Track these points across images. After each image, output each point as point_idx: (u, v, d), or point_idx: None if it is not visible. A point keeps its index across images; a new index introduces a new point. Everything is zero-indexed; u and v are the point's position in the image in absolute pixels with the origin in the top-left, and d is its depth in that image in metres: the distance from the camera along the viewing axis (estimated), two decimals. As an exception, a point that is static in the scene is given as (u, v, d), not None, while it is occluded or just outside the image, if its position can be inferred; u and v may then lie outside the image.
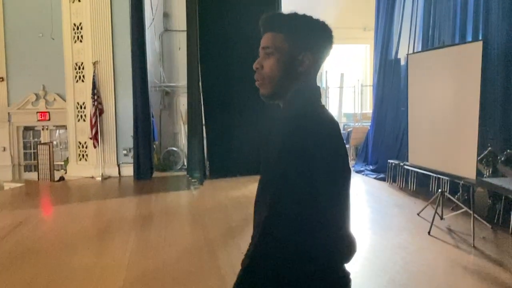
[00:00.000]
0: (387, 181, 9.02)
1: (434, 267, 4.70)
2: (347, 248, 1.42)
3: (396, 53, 9.93)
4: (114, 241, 5.76)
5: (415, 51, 8.78)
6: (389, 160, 9.00)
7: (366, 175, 10.02)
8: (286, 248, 1.26)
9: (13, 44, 12.81)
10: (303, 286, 1.31)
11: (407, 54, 7.81)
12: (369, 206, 7.63)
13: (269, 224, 1.27)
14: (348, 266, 1.44)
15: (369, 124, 11.20)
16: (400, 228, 6.11)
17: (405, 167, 7.86)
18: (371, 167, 10.32)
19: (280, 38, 1.43)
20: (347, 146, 11.98)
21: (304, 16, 1.45)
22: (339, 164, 1.38)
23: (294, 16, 1.45)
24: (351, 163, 11.58)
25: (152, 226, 6.42)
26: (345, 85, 14.12)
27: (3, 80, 12.88)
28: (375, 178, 9.63)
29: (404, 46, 9.54)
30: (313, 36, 1.45)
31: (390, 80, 10.04)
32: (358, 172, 10.38)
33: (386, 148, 9.80)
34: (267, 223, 1.27)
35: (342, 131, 12.47)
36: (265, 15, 1.49)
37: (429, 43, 8.61)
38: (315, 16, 1.47)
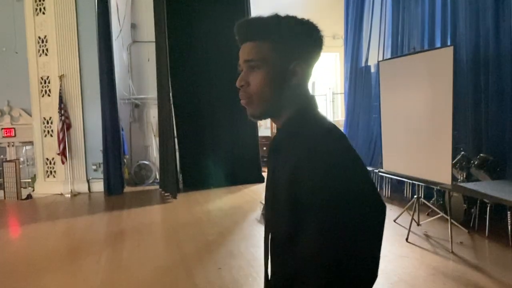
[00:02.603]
0: (362, 188, 9.00)
1: (414, 275, 4.64)
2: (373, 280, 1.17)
3: (366, 60, 9.99)
4: (85, 261, 5.52)
5: (385, 58, 8.84)
6: (363, 167, 8.98)
7: (341, 182, 9.98)
8: None
9: (-25, 59, 12.37)
10: None
11: (378, 61, 7.83)
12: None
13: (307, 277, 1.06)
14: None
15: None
16: (378, 236, 6.05)
17: (380, 173, 7.85)
18: (345, 174, 10.30)
19: (265, 48, 1.18)
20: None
21: (289, 17, 1.22)
22: (372, 186, 1.16)
23: (277, 19, 1.21)
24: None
25: (125, 244, 6.18)
26: (316, 93, 14.15)
27: (-36, 96, 12.40)
28: (350, 185, 9.60)
29: (374, 54, 9.62)
30: (304, 40, 1.21)
31: (361, 88, 10.09)
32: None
33: (360, 156, 9.79)
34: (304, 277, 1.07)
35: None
36: (242, 21, 1.23)
37: (398, 50, 8.68)
38: (298, 16, 1.23)
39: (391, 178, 7.84)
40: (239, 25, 1.24)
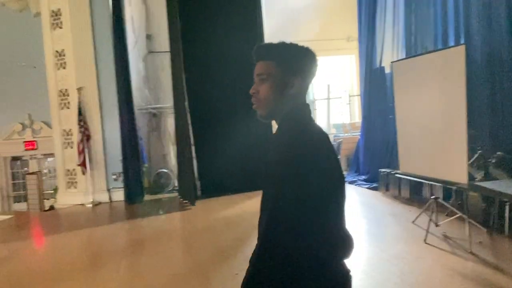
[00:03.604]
0: (380, 190, 8.96)
1: (432, 276, 4.60)
2: (345, 245, 1.62)
3: (381, 61, 9.95)
4: (104, 270, 5.61)
5: (399, 58, 8.79)
6: (380, 169, 8.94)
7: (359, 185, 9.94)
8: (284, 256, 1.42)
9: (-4, 74, 12.72)
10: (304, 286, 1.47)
11: (391, 62, 7.80)
12: (364, 217, 7.54)
13: (268, 234, 1.45)
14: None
15: (359, 133, 11.16)
16: (396, 238, 6.02)
17: (397, 175, 7.80)
18: (363, 177, 10.26)
19: (271, 65, 1.62)
20: (338, 157, 11.91)
21: (291, 44, 1.65)
22: (331, 173, 1.56)
23: (282, 45, 1.65)
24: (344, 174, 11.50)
25: (143, 252, 6.27)
26: (332, 96, 14.13)
27: (-13, 111, 12.76)
28: (368, 188, 9.56)
29: (388, 54, 9.57)
30: (300, 61, 1.64)
31: (376, 89, 10.04)
32: (350, 182, 10.31)
33: (377, 157, 9.76)
34: (266, 234, 1.46)
35: (332, 142, 12.49)
36: (257, 46, 1.68)
37: (412, 50, 8.62)
38: (300, 43, 1.66)
39: (410, 179, 7.77)
40: (255, 49, 1.68)
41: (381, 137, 9.78)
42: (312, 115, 1.68)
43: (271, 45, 1.67)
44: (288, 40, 1.66)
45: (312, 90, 13.89)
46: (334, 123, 14.36)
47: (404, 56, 8.74)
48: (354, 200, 8.71)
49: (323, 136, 1.63)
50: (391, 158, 9.15)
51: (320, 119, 14.27)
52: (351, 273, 1.64)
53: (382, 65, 9.92)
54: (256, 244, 1.50)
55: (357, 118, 13.61)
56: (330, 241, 1.53)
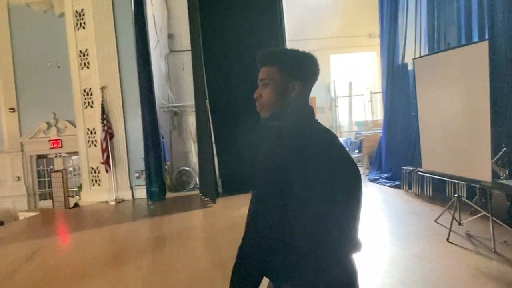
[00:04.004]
0: (403, 188, 8.87)
1: (454, 276, 4.54)
2: (340, 247, 1.61)
3: (403, 58, 9.82)
4: (126, 267, 5.69)
5: (421, 55, 8.67)
6: (403, 167, 8.85)
7: (381, 183, 9.86)
8: (260, 253, 1.54)
9: (22, 74, 13.00)
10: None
11: (413, 59, 7.70)
12: (386, 216, 7.48)
13: (248, 234, 1.56)
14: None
15: (381, 131, 11.06)
16: (418, 237, 5.95)
17: (419, 173, 7.71)
18: (385, 175, 10.16)
19: (273, 71, 1.70)
20: (359, 155, 11.86)
21: (292, 50, 1.73)
22: (326, 178, 1.58)
23: (284, 51, 1.77)
24: (365, 171, 11.45)
25: (165, 249, 6.34)
26: (354, 93, 14.03)
27: (14, 110, 13.05)
28: (390, 186, 9.47)
29: (411, 51, 9.44)
30: (301, 66, 1.71)
31: (398, 86, 9.92)
32: (372, 180, 10.23)
33: (400, 155, 9.64)
34: (246, 233, 1.56)
35: (353, 140, 12.38)
36: (260, 53, 1.75)
37: (435, 46, 8.50)
38: (302, 49, 1.73)
39: (433, 177, 7.67)
40: (258, 55, 1.75)
41: (404, 134, 9.66)
42: (314, 117, 1.74)
43: (273, 51, 1.75)
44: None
45: (334, 87, 13.82)
46: (356, 121, 14.27)
47: (426, 53, 8.62)
48: (376, 198, 8.65)
49: (325, 139, 1.68)
50: (414, 156, 9.04)
51: (342, 117, 14.20)
52: (350, 274, 1.66)
53: (405, 61, 9.79)
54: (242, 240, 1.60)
55: (379, 116, 13.49)
56: (319, 242, 1.57)
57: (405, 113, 9.61)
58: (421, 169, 7.24)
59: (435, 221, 6.39)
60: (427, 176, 7.75)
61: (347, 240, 1.63)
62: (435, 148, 6.67)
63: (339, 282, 1.61)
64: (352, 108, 14.11)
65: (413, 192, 8.39)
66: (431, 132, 6.75)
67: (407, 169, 8.63)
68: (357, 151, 11.91)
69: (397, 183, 9.29)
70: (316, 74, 1.75)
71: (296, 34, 12.57)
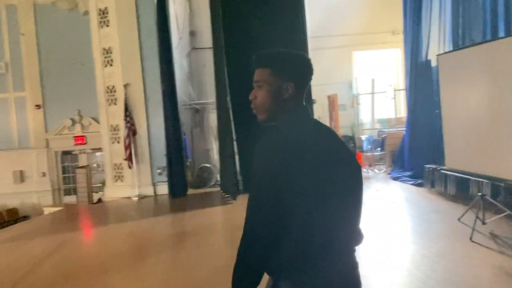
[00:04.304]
0: (426, 187, 8.75)
1: (477, 275, 4.46)
2: (335, 244, 1.62)
3: (426, 54, 9.67)
4: (147, 261, 5.75)
5: (445, 51, 8.52)
6: (426, 165, 8.73)
7: (404, 181, 9.74)
8: (258, 250, 1.57)
9: (48, 72, 13.25)
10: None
11: (437, 55, 7.58)
12: (408, 214, 7.39)
13: (246, 232, 1.58)
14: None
15: (404, 128, 10.92)
16: (440, 236, 5.86)
17: (443, 171, 7.59)
18: (408, 173, 10.03)
19: (267, 73, 1.72)
20: (382, 153, 11.74)
21: (286, 52, 1.75)
22: (317, 172, 1.60)
23: (278, 53, 1.75)
24: (387, 170, 11.34)
25: (185, 245, 6.39)
26: (377, 90, 13.88)
27: (40, 107, 13.31)
28: (412, 184, 9.35)
29: (434, 47, 9.30)
30: (294, 68, 1.73)
31: (422, 83, 9.78)
32: (395, 179, 10.12)
33: (423, 153, 9.51)
34: (244, 231, 1.58)
35: (376, 138, 12.24)
36: (255, 55, 1.79)
37: (459, 43, 8.34)
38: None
39: (456, 176, 7.54)
40: (253, 57, 1.79)
41: (427, 132, 9.52)
42: (309, 117, 1.75)
43: (267, 53, 1.77)
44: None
45: (356, 84, 13.71)
46: (378, 118, 14.12)
47: (450, 49, 8.47)
48: (398, 197, 8.56)
49: (318, 137, 1.70)
50: (437, 154, 8.90)
51: (364, 114, 14.07)
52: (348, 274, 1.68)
53: (428, 58, 9.65)
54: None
55: (403, 113, 13.32)
56: (316, 238, 1.59)
57: (429, 111, 9.47)
58: (444, 167, 7.13)
59: (458, 220, 6.28)
60: (450, 174, 7.62)
61: (345, 234, 1.66)
62: (459, 145, 6.56)
63: (338, 276, 1.62)
64: (375, 106, 13.96)
65: (436, 190, 8.27)
66: (455, 130, 6.64)
67: (430, 167, 8.51)
68: (379, 149, 11.78)
69: (420, 181, 9.17)
70: (309, 75, 1.76)
71: (319, 31, 12.51)
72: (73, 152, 13.96)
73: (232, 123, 9.95)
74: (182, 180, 10.33)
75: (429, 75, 9.55)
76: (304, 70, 1.75)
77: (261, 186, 1.58)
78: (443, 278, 4.41)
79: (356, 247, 1.72)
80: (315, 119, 1.78)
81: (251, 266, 1.59)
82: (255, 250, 1.58)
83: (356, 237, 1.71)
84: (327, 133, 1.75)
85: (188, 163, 11.09)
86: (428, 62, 9.64)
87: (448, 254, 5.05)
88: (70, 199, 13.06)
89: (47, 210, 11.49)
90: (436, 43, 9.23)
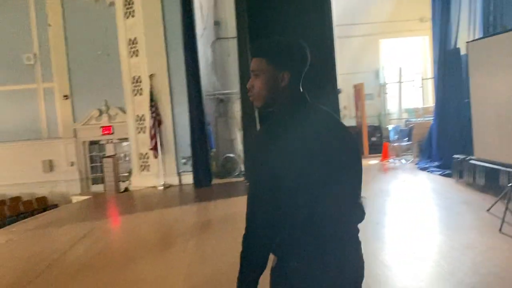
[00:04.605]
0: (454, 177, 8.56)
1: (506, 267, 4.35)
2: (328, 223, 1.65)
3: (455, 42, 9.44)
4: (173, 250, 5.81)
5: (475, 38, 8.29)
6: (454, 155, 8.54)
7: (431, 172, 9.56)
8: (261, 235, 1.62)
9: (75, 62, 13.44)
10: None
11: (467, 42, 7.38)
12: (435, 205, 7.27)
13: (249, 213, 1.64)
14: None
15: (432, 118, 10.71)
16: (468, 227, 5.74)
17: (472, 161, 7.41)
18: (436, 163, 9.84)
19: (263, 62, 1.74)
20: (409, 143, 11.58)
21: (282, 40, 1.78)
22: (310, 155, 1.63)
23: (273, 42, 1.77)
24: (414, 160, 11.17)
25: (210, 234, 6.42)
26: (404, 79, 13.64)
27: (67, 98, 13.53)
28: (440, 174, 9.17)
29: (464, 35, 9.06)
30: (290, 57, 1.75)
31: (451, 71, 9.54)
32: (422, 169, 9.96)
33: (451, 143, 9.31)
34: (247, 212, 1.64)
35: (403, 128, 12.03)
36: (251, 44, 1.85)
37: (490, 29, 8.10)
38: (291, 40, 1.77)
39: (486, 166, 7.36)
40: (250, 47, 1.84)
41: (456, 121, 9.31)
42: (307, 103, 1.77)
43: (263, 42, 1.79)
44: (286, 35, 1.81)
45: (383, 73, 13.49)
46: (405, 108, 13.88)
47: (481, 36, 8.23)
48: (426, 187, 8.42)
49: (315, 123, 1.72)
50: (466, 144, 8.70)
51: (391, 104, 13.85)
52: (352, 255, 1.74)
53: (457, 46, 9.41)
54: None
55: (430, 102, 13.07)
56: (315, 218, 1.63)
57: (458, 100, 9.26)
58: (473, 157, 6.96)
59: (487, 211, 6.14)
60: (479, 165, 7.44)
61: (345, 213, 1.70)
62: (489, 135, 6.40)
63: (341, 254, 1.68)
64: (402, 95, 13.72)
65: (465, 181, 8.09)
66: (485, 119, 6.48)
67: (459, 158, 8.32)
68: (406, 139, 11.59)
69: (447, 171, 8.98)
70: (305, 62, 1.79)
71: (345, 19, 12.33)
72: (101, 142, 14.17)
73: (256, 113, 9.92)
74: (207, 170, 10.38)
75: (458, 63, 9.31)
76: (300, 58, 1.78)
77: (257, 169, 1.65)
78: (472, 270, 4.31)
79: (359, 225, 1.77)
80: (318, 105, 1.80)
81: (257, 254, 1.64)
82: (260, 237, 1.63)
83: (356, 213, 1.76)
84: (327, 119, 1.78)
85: (212, 153, 11.13)
86: (457, 50, 9.40)
87: (476, 246, 4.93)
88: (98, 188, 13.28)
89: (75, 199, 11.72)
90: (466, 30, 9.00)
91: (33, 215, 10.91)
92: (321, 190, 1.65)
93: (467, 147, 8.49)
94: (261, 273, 1.67)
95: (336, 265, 1.66)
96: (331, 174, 1.66)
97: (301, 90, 1.79)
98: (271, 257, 1.70)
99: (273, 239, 1.64)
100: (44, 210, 11.83)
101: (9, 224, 9.47)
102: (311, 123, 1.71)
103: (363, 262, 1.77)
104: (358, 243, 1.76)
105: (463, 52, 9.09)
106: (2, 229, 8.42)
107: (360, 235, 1.77)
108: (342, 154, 1.73)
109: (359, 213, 1.77)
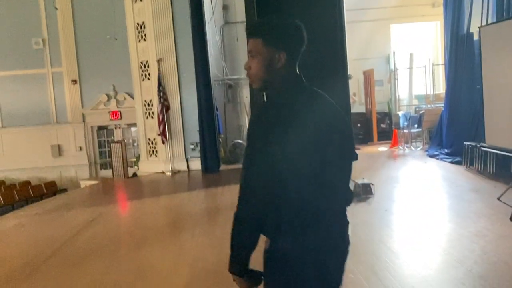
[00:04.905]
0: (464, 165, 8.47)
1: (517, 256, 4.28)
2: (321, 204, 1.69)
3: (468, 27, 9.25)
4: (181, 236, 5.79)
5: (488, 23, 8.12)
6: (465, 142, 8.44)
7: (441, 159, 9.47)
8: (254, 211, 1.64)
9: (83, 47, 13.41)
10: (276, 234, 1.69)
11: (479, 27, 7.23)
12: (445, 192, 7.19)
13: (241, 192, 1.66)
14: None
15: (443, 105, 10.57)
16: (478, 215, 5.66)
17: (483, 148, 7.30)
18: (446, 150, 9.74)
19: (259, 43, 1.74)
20: (419, 129, 11.47)
21: (278, 20, 1.76)
22: (303, 140, 1.64)
23: (269, 22, 1.75)
24: (424, 147, 11.07)
25: (217, 221, 6.39)
26: (415, 65, 13.46)
27: (76, 83, 13.52)
28: (450, 162, 9.08)
29: (477, 20, 8.87)
30: (286, 37, 1.74)
31: (463, 57, 9.38)
32: (432, 156, 9.86)
33: (462, 130, 9.19)
34: (239, 192, 1.67)
35: (413, 114, 11.91)
36: (247, 24, 1.99)
37: (504, 14, 7.92)
38: (287, 20, 1.76)
39: (497, 154, 7.26)
40: (246, 27, 1.86)
41: (467, 108, 9.18)
42: (302, 84, 1.78)
43: (259, 22, 1.84)
44: (275, 15, 1.76)
45: (394, 59, 13.31)
46: (416, 94, 13.73)
47: (494, 21, 8.05)
48: (436, 175, 8.33)
49: (310, 103, 1.74)
50: (477, 131, 8.60)
51: (402, 90, 13.69)
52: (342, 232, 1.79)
53: (470, 31, 9.22)
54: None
55: (441, 89, 12.90)
56: (305, 198, 1.66)
57: (469, 86, 9.11)
58: (484, 144, 6.86)
59: (498, 199, 6.05)
60: (490, 152, 7.34)
61: (335, 194, 1.74)
62: (501, 122, 6.29)
63: (332, 234, 1.71)
64: (413, 81, 13.55)
65: (475, 168, 8.00)
66: (497, 105, 6.36)
67: (469, 145, 8.22)
68: (416, 125, 11.46)
69: (458, 159, 8.89)
70: (302, 42, 1.79)
71: (355, 4, 12.15)
72: (109, 127, 14.18)
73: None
74: (215, 156, 10.35)
75: (471, 48, 9.14)
76: (296, 39, 1.78)
77: (254, 148, 1.65)
78: (482, 258, 4.25)
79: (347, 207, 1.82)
80: (314, 88, 1.81)
81: (249, 231, 1.67)
82: (252, 215, 1.65)
83: (346, 194, 1.81)
84: (321, 101, 1.79)
85: (220, 139, 11.09)
86: (470, 35, 9.23)
87: (487, 234, 4.86)
88: (106, 173, 13.32)
89: (83, 184, 11.76)
90: (479, 15, 8.80)
91: (42, 199, 10.97)
92: (314, 171, 1.66)
93: (478, 134, 8.38)
94: (251, 252, 1.69)
95: (326, 245, 1.70)
96: (324, 156, 1.68)
97: (298, 72, 1.80)
98: (264, 238, 1.72)
99: (264, 219, 1.65)
100: (54, 194, 11.89)
101: (18, 208, 9.54)
102: (306, 105, 1.73)
103: (349, 243, 1.80)
104: (346, 224, 1.80)
105: (475, 37, 8.92)
106: (11, 213, 8.47)
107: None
108: (336, 137, 1.74)
109: (349, 195, 1.82)
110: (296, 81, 1.79)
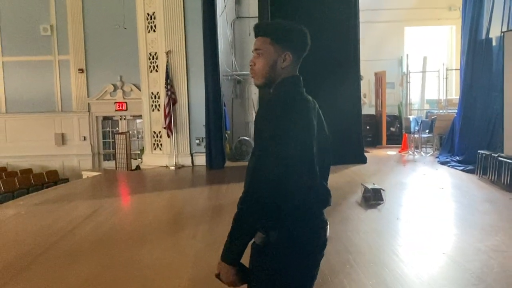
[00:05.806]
0: (476, 174, 8.23)
1: (539, 276, 4.05)
2: (322, 197, 1.85)
3: (487, 32, 9.00)
4: (183, 234, 5.59)
5: (509, 29, 7.86)
6: (479, 151, 8.19)
7: (453, 166, 9.23)
8: (262, 203, 1.68)
9: (92, 36, 13.22)
10: (283, 225, 1.74)
11: (502, 32, 6.99)
12: (456, 201, 6.95)
13: (252, 182, 1.70)
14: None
15: (455, 111, 10.32)
16: (494, 228, 5.41)
17: (499, 158, 7.05)
18: (457, 158, 9.50)
19: (267, 42, 1.84)
20: (430, 135, 11.25)
21: (286, 23, 1.87)
22: (311, 134, 1.77)
23: (277, 23, 1.89)
24: (434, 153, 10.85)
25: (221, 219, 6.16)
26: (428, 69, 13.21)
27: (82, 71, 13.33)
28: (462, 170, 8.83)
29: (497, 25, 8.62)
30: (293, 39, 1.85)
31: (480, 63, 9.14)
32: (443, 163, 9.62)
33: (476, 137, 8.95)
34: (251, 182, 1.70)
35: (424, 119, 11.68)
36: (256, 24, 1.96)
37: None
38: (294, 24, 1.86)
39: (512, 164, 7.02)
40: (255, 26, 1.93)
41: (482, 115, 8.94)
42: (301, 86, 1.87)
43: (268, 23, 1.99)
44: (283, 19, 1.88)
45: (406, 62, 13.06)
46: (428, 99, 13.48)
47: (516, 27, 7.80)
48: (447, 182, 8.10)
49: (310, 104, 1.85)
50: (492, 139, 8.36)
51: (413, 94, 13.45)
52: (328, 225, 1.88)
53: (489, 36, 8.97)
54: (243, 191, 1.74)
55: (454, 94, 12.65)
56: (307, 191, 1.76)
57: (486, 93, 8.88)
58: (502, 154, 6.61)
59: (515, 212, 5.83)
60: (506, 162, 7.09)
61: (325, 191, 1.88)
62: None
63: (318, 231, 1.82)
64: (425, 85, 13.30)
65: (489, 178, 7.75)
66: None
67: (484, 153, 7.97)
68: (427, 131, 11.20)
69: (470, 167, 8.64)
70: (306, 46, 1.88)
71: (370, 4, 11.94)
72: (114, 118, 13.98)
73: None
74: (221, 152, 10.15)
75: (489, 54, 8.90)
76: (301, 43, 1.87)
77: (265, 141, 1.69)
78: (500, 275, 4.01)
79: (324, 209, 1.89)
80: (307, 96, 1.88)
81: (252, 218, 1.71)
82: (258, 203, 1.68)
83: (327, 197, 1.89)
84: (313, 105, 1.87)
85: (227, 135, 10.89)
86: (489, 40, 8.98)
87: (505, 249, 4.62)
88: (109, 164, 13.13)
89: (85, 174, 11.57)
90: (499, 20, 8.55)
91: (43, 188, 10.80)
92: (313, 167, 1.76)
93: (493, 142, 8.14)
94: (248, 241, 1.75)
95: (317, 237, 1.80)
96: (323, 155, 1.84)
97: (298, 74, 1.89)
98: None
99: (270, 206, 1.68)
100: (55, 184, 11.73)
101: (18, 196, 9.37)
102: (311, 106, 1.83)
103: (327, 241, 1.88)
104: (327, 223, 1.87)
105: (495, 43, 8.68)
106: (10, 201, 8.30)
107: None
108: (326, 140, 1.92)
109: (330, 196, 1.89)
110: (296, 83, 1.88)
